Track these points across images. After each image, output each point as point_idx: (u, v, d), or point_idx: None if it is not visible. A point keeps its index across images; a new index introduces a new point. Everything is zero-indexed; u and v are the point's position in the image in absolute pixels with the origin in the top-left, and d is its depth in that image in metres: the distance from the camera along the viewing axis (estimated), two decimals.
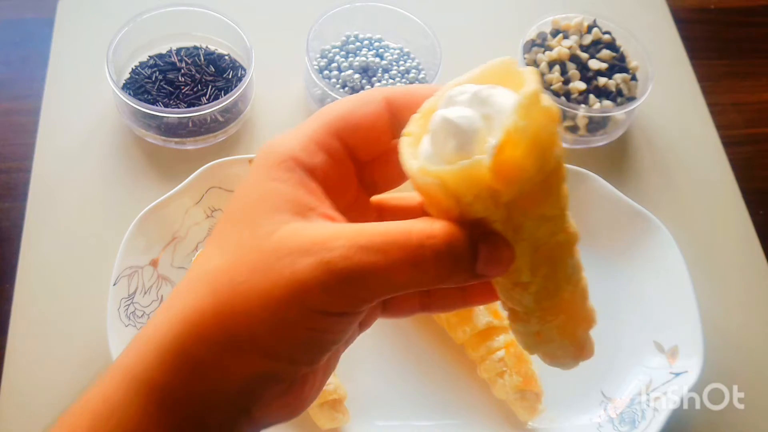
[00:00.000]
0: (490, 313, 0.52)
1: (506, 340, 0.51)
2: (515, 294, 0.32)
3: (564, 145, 0.64)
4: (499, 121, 0.24)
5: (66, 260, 0.55)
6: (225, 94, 0.60)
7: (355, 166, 0.30)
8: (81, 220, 0.57)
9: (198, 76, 0.61)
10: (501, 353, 0.51)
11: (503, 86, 0.26)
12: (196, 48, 0.64)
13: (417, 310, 0.32)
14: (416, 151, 0.26)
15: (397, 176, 0.30)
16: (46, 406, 0.49)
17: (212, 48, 0.65)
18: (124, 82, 0.62)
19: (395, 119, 0.29)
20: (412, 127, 0.27)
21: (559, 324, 0.36)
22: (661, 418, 0.48)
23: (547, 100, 0.24)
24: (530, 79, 0.25)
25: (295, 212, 0.26)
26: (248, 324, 0.25)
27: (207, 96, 0.61)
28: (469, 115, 0.25)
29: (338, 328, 0.26)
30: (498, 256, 0.26)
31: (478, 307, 0.51)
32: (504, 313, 0.51)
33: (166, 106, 0.60)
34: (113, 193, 0.59)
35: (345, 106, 0.29)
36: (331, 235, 0.25)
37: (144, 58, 0.63)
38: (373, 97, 0.29)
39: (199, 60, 0.63)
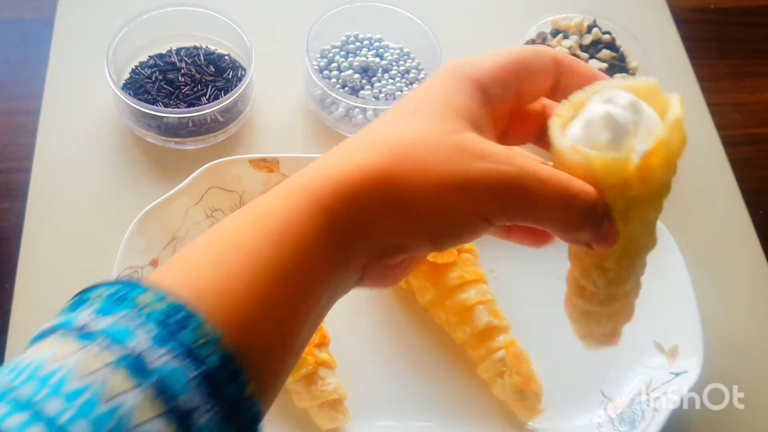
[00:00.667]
0: (490, 313, 0.52)
1: (506, 340, 0.51)
2: (594, 275, 0.38)
3: None
4: (648, 131, 0.30)
5: (66, 260, 0.55)
6: (225, 94, 0.60)
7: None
8: (81, 220, 0.57)
9: (198, 76, 0.61)
10: (501, 353, 0.51)
11: (647, 102, 0.31)
12: (196, 48, 0.64)
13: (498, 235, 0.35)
14: (564, 132, 0.31)
15: (526, 136, 0.34)
16: None
17: (212, 48, 0.65)
18: (124, 82, 0.62)
19: (556, 81, 0.32)
20: (562, 110, 0.31)
21: (612, 311, 0.42)
22: (661, 418, 0.48)
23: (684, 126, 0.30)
24: (677, 104, 0.31)
25: (473, 126, 0.29)
26: (416, 196, 0.28)
27: (207, 96, 0.61)
28: (628, 116, 0.30)
29: (477, 231, 0.29)
30: (612, 234, 0.31)
31: (478, 307, 0.51)
32: (504, 315, 0.51)
33: (166, 106, 0.60)
34: (113, 193, 0.59)
35: (525, 52, 0.31)
36: (506, 154, 0.28)
37: (144, 58, 0.63)
38: (546, 53, 0.32)
39: (199, 60, 0.63)
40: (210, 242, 0.28)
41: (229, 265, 0.26)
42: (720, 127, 0.68)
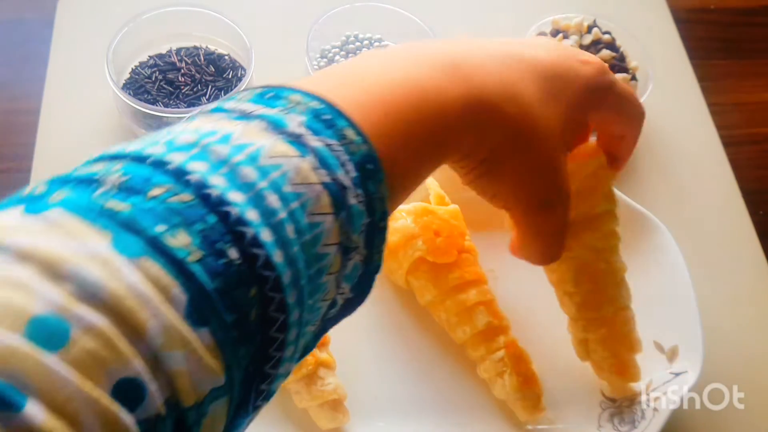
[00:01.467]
0: (490, 314, 0.52)
1: (506, 340, 0.51)
2: (564, 299, 0.47)
3: None
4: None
5: None
6: (225, 94, 0.60)
7: None
8: None
9: (198, 76, 0.62)
10: (501, 353, 0.51)
11: None
12: (195, 48, 0.64)
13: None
14: None
15: None
16: None
17: (212, 48, 0.65)
18: (124, 82, 0.62)
19: None
20: None
21: (600, 338, 0.49)
22: (661, 418, 0.48)
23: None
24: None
25: None
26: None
27: (207, 96, 0.61)
28: None
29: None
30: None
31: (478, 308, 0.51)
32: (504, 315, 0.51)
33: (166, 106, 0.60)
34: None
35: None
36: None
37: (144, 58, 0.63)
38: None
39: (199, 60, 0.63)
40: (356, 69, 0.31)
41: (377, 92, 0.29)
42: (720, 127, 0.68)
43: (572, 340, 0.51)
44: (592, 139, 0.46)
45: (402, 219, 0.52)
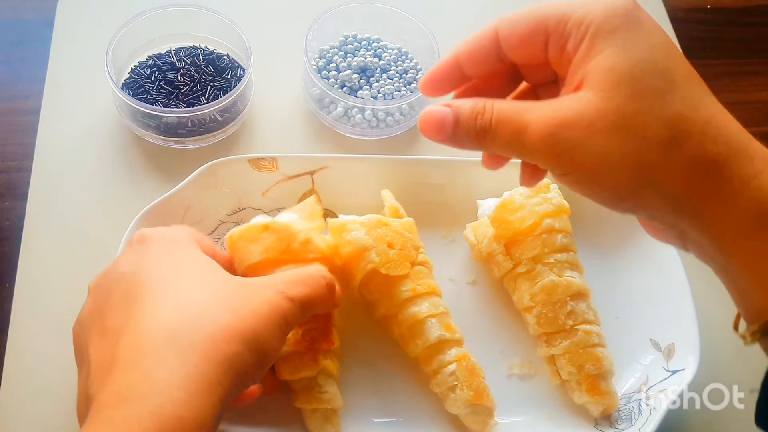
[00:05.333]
0: (443, 326, 0.50)
1: (458, 353, 0.50)
2: (525, 317, 0.54)
3: None
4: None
5: (66, 260, 0.55)
6: (224, 94, 0.60)
7: None
8: (81, 220, 0.57)
9: (197, 75, 0.62)
10: (452, 367, 0.49)
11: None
12: (195, 48, 0.64)
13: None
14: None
15: None
16: (47, 405, 0.49)
17: (211, 48, 0.65)
18: (123, 81, 0.62)
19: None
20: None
21: (563, 352, 0.51)
22: (657, 416, 0.48)
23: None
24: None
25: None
26: None
27: (206, 96, 0.61)
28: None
29: None
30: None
31: (429, 320, 0.50)
32: (456, 326, 0.51)
33: (165, 105, 0.60)
34: (113, 193, 0.59)
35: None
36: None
37: (143, 57, 0.64)
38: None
39: (199, 60, 0.63)
40: None
41: None
42: None
43: (546, 364, 0.53)
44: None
45: (355, 231, 0.51)
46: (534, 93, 0.40)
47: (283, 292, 0.38)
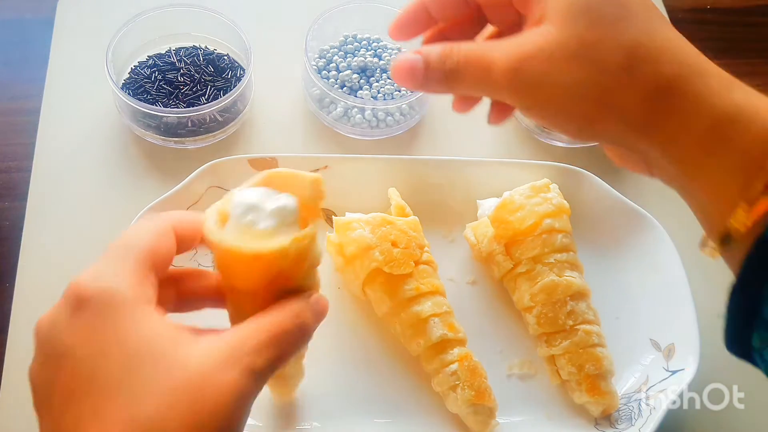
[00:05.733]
0: (445, 326, 0.50)
1: (460, 353, 0.50)
2: (525, 317, 0.52)
3: (560, 144, 0.65)
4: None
5: (66, 260, 0.55)
6: (224, 94, 0.60)
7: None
8: (81, 220, 0.57)
9: (197, 75, 0.62)
10: (454, 366, 0.49)
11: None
12: (195, 48, 0.64)
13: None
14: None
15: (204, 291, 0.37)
16: None
17: (211, 48, 0.65)
18: (123, 81, 0.62)
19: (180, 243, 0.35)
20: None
21: (563, 352, 0.51)
22: (657, 416, 0.48)
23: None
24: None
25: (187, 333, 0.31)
26: None
27: (206, 96, 0.61)
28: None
29: None
30: (324, 305, 0.36)
31: (432, 320, 0.50)
32: (459, 326, 0.51)
33: (165, 105, 0.60)
34: (113, 193, 0.59)
35: (149, 241, 0.33)
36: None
37: (143, 57, 0.64)
38: (166, 229, 0.34)
39: (198, 60, 0.63)
40: None
41: None
42: None
43: (546, 364, 0.53)
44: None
45: (359, 229, 0.51)
46: (499, 37, 0.41)
47: (249, 368, 0.31)
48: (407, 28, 0.40)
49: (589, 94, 0.33)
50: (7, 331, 0.52)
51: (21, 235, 0.56)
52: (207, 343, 0.31)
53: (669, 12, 0.77)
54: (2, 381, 0.50)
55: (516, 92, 0.34)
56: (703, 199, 0.33)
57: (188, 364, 0.30)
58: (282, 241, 0.33)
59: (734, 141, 0.31)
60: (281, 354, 0.32)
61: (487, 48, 0.35)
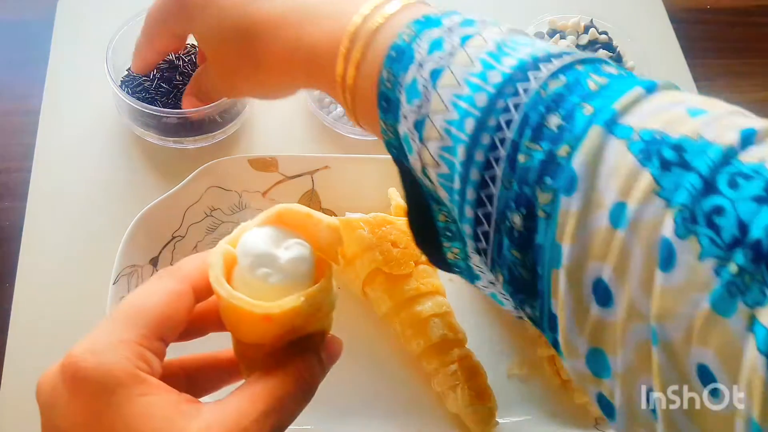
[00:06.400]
0: (445, 326, 0.50)
1: (460, 353, 0.50)
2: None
3: None
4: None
5: (66, 260, 0.55)
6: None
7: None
8: (81, 220, 0.57)
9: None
10: (454, 366, 0.49)
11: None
12: (194, 47, 0.64)
13: None
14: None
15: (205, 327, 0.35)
16: None
17: None
18: (121, 79, 0.62)
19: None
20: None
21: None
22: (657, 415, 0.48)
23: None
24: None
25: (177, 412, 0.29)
26: None
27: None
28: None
29: None
30: (338, 347, 0.36)
31: (432, 320, 0.50)
32: (459, 326, 0.52)
33: (164, 105, 0.60)
34: (113, 193, 0.59)
35: (162, 308, 0.31)
36: None
37: None
38: (184, 290, 0.32)
39: (197, 59, 0.63)
40: None
41: None
42: None
43: (546, 364, 0.53)
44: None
45: (360, 229, 0.51)
46: None
47: None
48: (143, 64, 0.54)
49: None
50: (7, 331, 0.52)
51: (21, 235, 0.56)
52: (206, 419, 0.29)
53: (669, 12, 0.77)
54: (2, 381, 0.50)
55: (212, 93, 0.52)
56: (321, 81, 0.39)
57: None
58: (294, 300, 0.30)
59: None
60: (284, 420, 0.32)
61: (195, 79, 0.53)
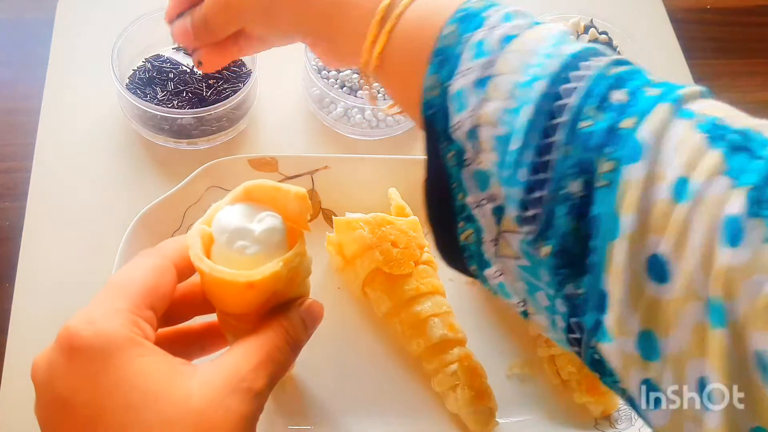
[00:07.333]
0: (445, 326, 0.50)
1: (460, 353, 0.50)
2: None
3: None
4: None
5: (66, 260, 0.55)
6: (228, 95, 0.60)
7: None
8: (81, 220, 0.57)
9: (199, 76, 0.62)
10: (454, 366, 0.49)
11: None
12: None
13: None
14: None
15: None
16: None
17: None
18: (127, 82, 0.62)
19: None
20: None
21: (562, 351, 0.50)
22: None
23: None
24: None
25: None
26: None
27: (209, 96, 0.61)
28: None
29: None
30: (319, 309, 0.37)
31: (432, 320, 0.50)
32: (459, 326, 0.51)
33: (168, 106, 0.60)
34: (113, 193, 0.59)
35: (147, 280, 0.33)
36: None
37: (146, 58, 0.64)
38: (166, 266, 0.34)
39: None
40: None
41: None
42: None
43: (546, 364, 0.53)
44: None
45: (360, 229, 0.51)
46: None
47: (249, 391, 0.31)
48: (174, 12, 0.47)
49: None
50: (7, 331, 0.52)
51: (21, 235, 0.56)
52: (204, 375, 0.30)
53: (669, 12, 0.77)
54: (2, 381, 0.50)
55: (232, 18, 0.44)
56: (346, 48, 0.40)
57: (191, 399, 0.29)
58: (273, 266, 0.32)
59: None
60: (277, 370, 0.33)
61: None
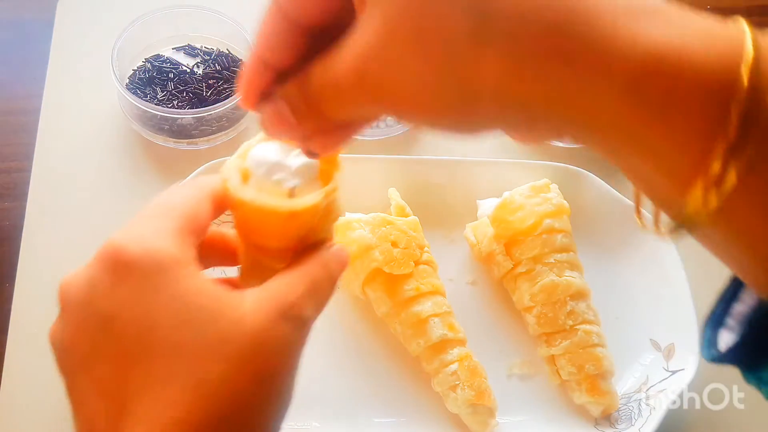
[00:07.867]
0: (445, 326, 0.50)
1: (460, 353, 0.50)
2: (525, 318, 0.49)
3: (561, 144, 0.65)
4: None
5: (66, 260, 0.55)
6: (228, 94, 0.60)
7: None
8: (81, 220, 0.57)
9: (199, 76, 0.62)
10: (454, 366, 0.50)
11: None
12: (197, 47, 0.64)
13: None
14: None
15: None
16: (46, 405, 0.49)
17: (214, 48, 0.65)
18: (126, 82, 0.62)
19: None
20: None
21: (563, 352, 0.51)
22: (657, 416, 0.48)
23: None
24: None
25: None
26: None
27: (209, 96, 0.61)
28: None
29: None
30: (345, 255, 0.36)
31: (432, 320, 0.50)
32: (459, 326, 0.51)
33: (167, 106, 0.60)
34: (113, 192, 0.59)
35: (190, 206, 0.31)
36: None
37: (146, 57, 0.64)
38: (205, 197, 0.32)
39: (201, 59, 0.63)
40: None
41: None
42: None
43: (546, 364, 0.53)
44: None
45: (360, 229, 0.51)
46: None
47: (299, 318, 0.30)
48: (260, 93, 0.29)
49: (442, 77, 0.23)
50: (7, 331, 0.52)
51: (21, 235, 0.56)
52: (255, 300, 0.30)
53: None
54: (2, 381, 0.50)
55: (367, 98, 0.26)
56: (643, 168, 0.24)
57: (244, 322, 0.29)
58: (315, 196, 0.32)
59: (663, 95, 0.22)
60: (320, 302, 0.33)
61: (328, 62, 0.26)
